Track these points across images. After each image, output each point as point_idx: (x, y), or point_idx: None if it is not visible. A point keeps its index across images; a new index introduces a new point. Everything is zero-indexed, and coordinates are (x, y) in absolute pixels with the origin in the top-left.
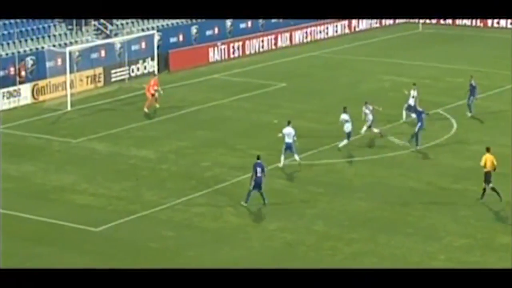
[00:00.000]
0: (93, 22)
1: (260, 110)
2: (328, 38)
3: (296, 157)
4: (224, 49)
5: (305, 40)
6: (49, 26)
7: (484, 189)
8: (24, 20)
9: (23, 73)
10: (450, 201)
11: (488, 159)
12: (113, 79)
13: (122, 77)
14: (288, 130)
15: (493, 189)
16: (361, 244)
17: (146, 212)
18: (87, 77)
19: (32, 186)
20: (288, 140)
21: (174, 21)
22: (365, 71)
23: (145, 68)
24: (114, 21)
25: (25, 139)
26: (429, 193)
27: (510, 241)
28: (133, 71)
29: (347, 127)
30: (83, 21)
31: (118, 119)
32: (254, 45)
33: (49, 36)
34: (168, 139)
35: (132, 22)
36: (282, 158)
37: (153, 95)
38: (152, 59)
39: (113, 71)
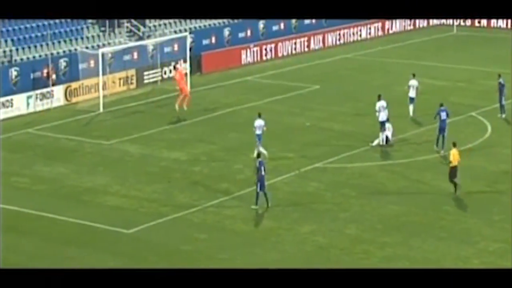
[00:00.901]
0: (126, 24)
1: (293, 112)
2: (361, 40)
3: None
4: (256, 51)
5: (338, 42)
6: (82, 28)
7: (455, 185)
8: (57, 21)
9: (53, 76)
10: (484, 205)
11: (454, 154)
12: (145, 81)
13: (155, 79)
14: (259, 123)
15: (455, 182)
16: (394, 248)
17: (178, 214)
18: (120, 79)
19: (64, 187)
20: (259, 132)
21: (206, 23)
22: (398, 74)
23: (176, 70)
24: (147, 23)
25: (57, 141)
26: (462, 197)
27: None
28: (165, 73)
29: (382, 116)
30: (116, 23)
31: (150, 121)
32: (286, 47)
33: (82, 38)
34: (200, 142)
35: (165, 24)
36: (262, 149)
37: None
38: (185, 61)
39: (145, 73)
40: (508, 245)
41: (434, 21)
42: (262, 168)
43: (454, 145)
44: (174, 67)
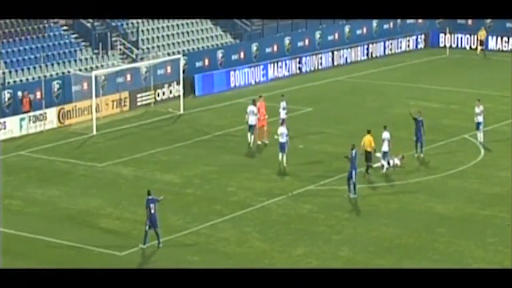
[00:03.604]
0: (119, 46)
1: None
2: (354, 62)
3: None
4: (248, 73)
5: (330, 65)
6: (75, 50)
7: (367, 169)
8: (51, 44)
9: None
10: (477, 228)
11: (367, 140)
12: (138, 103)
13: (148, 101)
14: (282, 130)
15: (370, 166)
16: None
17: (171, 236)
18: (113, 101)
19: (57, 210)
20: (282, 140)
21: (200, 45)
22: (392, 96)
23: (170, 92)
24: (140, 45)
25: (51, 163)
26: (456, 219)
27: None
28: (158, 95)
29: (385, 147)
30: (109, 45)
31: (144, 144)
32: (280, 69)
33: (75, 60)
34: (194, 164)
35: (158, 47)
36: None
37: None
38: (178, 83)
39: (138, 95)
40: (501, 267)
41: (421, 43)
42: (152, 206)
43: (369, 132)
44: (254, 101)
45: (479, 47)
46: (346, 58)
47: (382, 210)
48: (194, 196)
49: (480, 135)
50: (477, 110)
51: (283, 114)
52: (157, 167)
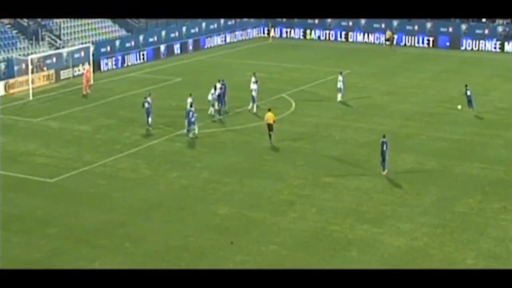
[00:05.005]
0: (47, 38)
1: (164, 97)
2: (210, 48)
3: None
4: (137, 55)
5: (192, 49)
6: (16, 42)
7: (270, 135)
8: None
9: None
10: (290, 155)
11: (269, 116)
12: (62, 77)
13: (68, 76)
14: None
15: (270, 135)
16: (232, 185)
17: (86, 168)
18: (43, 76)
19: (6, 152)
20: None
21: (104, 37)
22: (234, 69)
23: (84, 69)
24: (62, 37)
25: (0, 119)
26: (277, 150)
27: (331, 180)
28: (75, 71)
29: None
30: (40, 37)
31: (66, 105)
32: (159, 52)
33: (16, 48)
34: (101, 117)
35: (75, 38)
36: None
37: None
38: (89, 63)
39: (62, 71)
40: (306, 180)
41: (254, 34)
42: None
43: (269, 109)
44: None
45: (387, 43)
46: (204, 44)
47: (229, 145)
48: (101, 140)
49: (339, 96)
50: (340, 78)
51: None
52: (75, 120)
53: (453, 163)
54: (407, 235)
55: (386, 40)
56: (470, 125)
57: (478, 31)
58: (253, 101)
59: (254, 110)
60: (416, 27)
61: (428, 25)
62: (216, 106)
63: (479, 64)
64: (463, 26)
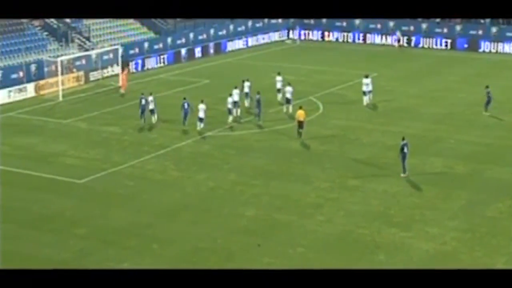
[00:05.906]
0: (76, 40)
1: (191, 99)
2: (236, 50)
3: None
4: (162, 59)
5: (220, 52)
6: (46, 44)
7: (300, 133)
8: (29, 39)
9: None
10: (319, 158)
11: (300, 113)
12: (91, 79)
13: (97, 77)
14: (202, 106)
15: (300, 133)
16: (260, 188)
17: (114, 169)
18: (73, 77)
19: (36, 152)
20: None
21: (132, 39)
22: (261, 71)
23: (113, 71)
24: (91, 39)
25: (30, 120)
26: (305, 152)
27: (358, 183)
28: (104, 73)
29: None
30: (69, 39)
31: (95, 106)
32: (187, 54)
33: (46, 50)
34: (129, 119)
35: (104, 40)
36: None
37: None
38: (117, 65)
39: (91, 73)
40: (333, 183)
41: (276, 37)
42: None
43: (301, 107)
44: (123, 68)
45: (398, 44)
46: (225, 48)
47: (256, 148)
48: (129, 141)
49: (366, 98)
50: (365, 81)
51: (279, 85)
52: (104, 122)
53: (483, 167)
54: (436, 239)
55: (398, 41)
56: (500, 129)
57: (497, 33)
58: (288, 103)
59: (290, 111)
60: (438, 29)
61: (445, 27)
62: (239, 113)
63: (507, 67)
64: (481, 29)
